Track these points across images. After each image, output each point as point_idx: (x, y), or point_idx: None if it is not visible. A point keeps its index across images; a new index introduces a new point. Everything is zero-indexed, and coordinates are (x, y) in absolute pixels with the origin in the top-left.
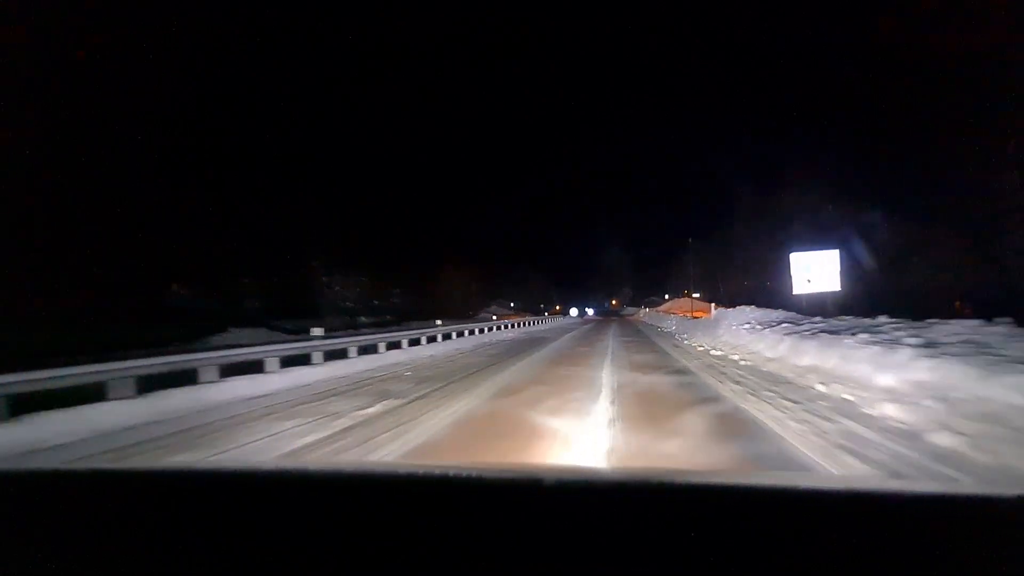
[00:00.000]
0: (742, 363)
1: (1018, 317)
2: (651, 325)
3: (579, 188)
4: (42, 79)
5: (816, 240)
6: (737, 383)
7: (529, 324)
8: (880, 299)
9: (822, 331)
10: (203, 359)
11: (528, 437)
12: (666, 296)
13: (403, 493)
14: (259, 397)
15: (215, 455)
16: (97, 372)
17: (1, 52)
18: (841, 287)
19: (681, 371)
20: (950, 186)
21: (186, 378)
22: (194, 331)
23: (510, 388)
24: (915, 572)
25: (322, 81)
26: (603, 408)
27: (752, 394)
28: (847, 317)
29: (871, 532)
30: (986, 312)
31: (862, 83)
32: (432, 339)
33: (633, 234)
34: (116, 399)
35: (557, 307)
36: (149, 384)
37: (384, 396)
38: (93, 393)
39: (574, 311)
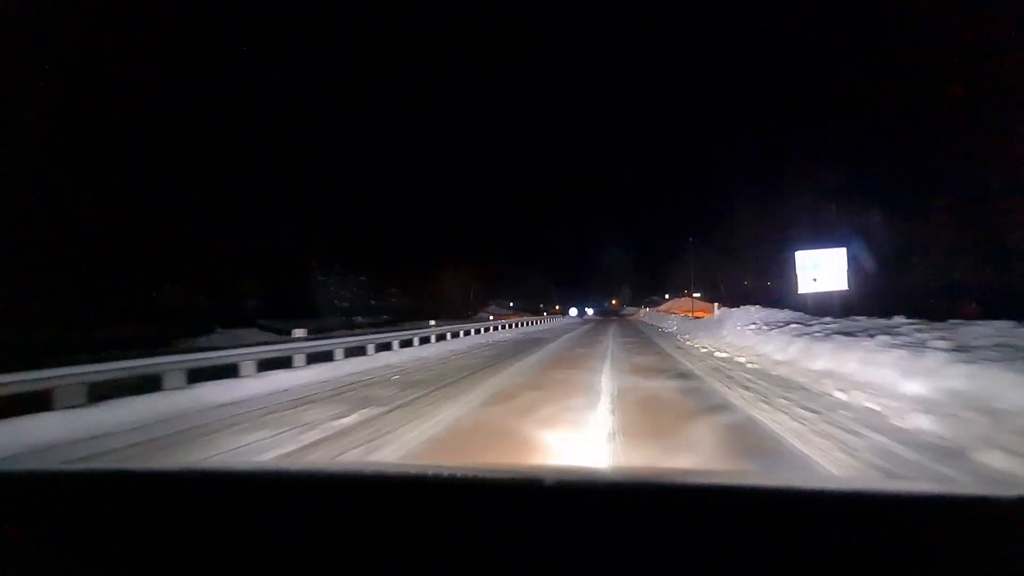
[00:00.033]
0: (749, 366)
1: None
2: (652, 325)
3: (579, 188)
4: (37, 78)
5: (816, 239)
6: (747, 389)
7: (527, 324)
8: (882, 299)
9: (835, 332)
10: (172, 363)
11: (518, 453)
12: (666, 296)
13: (403, 493)
14: (227, 405)
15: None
16: (47, 378)
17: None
18: (848, 286)
19: (685, 375)
20: (951, 185)
21: (150, 384)
22: (182, 331)
23: (502, 394)
24: (915, 573)
25: (322, 81)
26: (602, 418)
27: (764, 401)
28: (860, 318)
29: (870, 532)
30: (993, 312)
31: (865, 79)
32: (425, 340)
33: (633, 233)
34: (63, 409)
35: (557, 307)
36: (107, 391)
37: (365, 403)
38: (36, 403)
39: (573, 311)
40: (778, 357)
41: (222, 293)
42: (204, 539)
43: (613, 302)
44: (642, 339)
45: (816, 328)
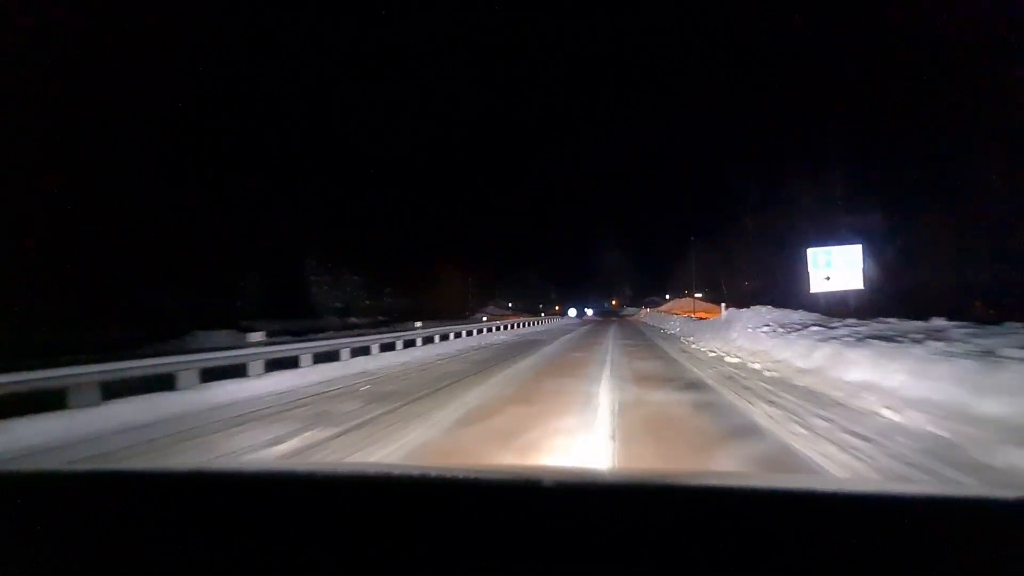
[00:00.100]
0: (767, 374)
1: None
2: (653, 326)
3: (579, 188)
4: (35, 78)
5: (819, 237)
6: (771, 404)
7: (524, 325)
8: (886, 299)
9: (869, 337)
10: (89, 374)
11: None
12: (667, 296)
13: (404, 493)
14: (146, 426)
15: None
16: None
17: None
18: (864, 285)
19: (695, 385)
20: (957, 183)
21: (54, 401)
22: (156, 334)
23: (482, 410)
24: (915, 574)
25: (322, 80)
26: (600, 446)
27: (798, 422)
28: (890, 319)
29: (871, 534)
30: (1007, 313)
31: (871, 75)
32: (410, 343)
33: (633, 233)
34: None
35: (557, 307)
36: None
37: (316, 422)
38: None
39: (572, 311)
40: (800, 364)
41: (219, 293)
42: (204, 539)
43: (613, 302)
44: (644, 341)
45: (843, 331)
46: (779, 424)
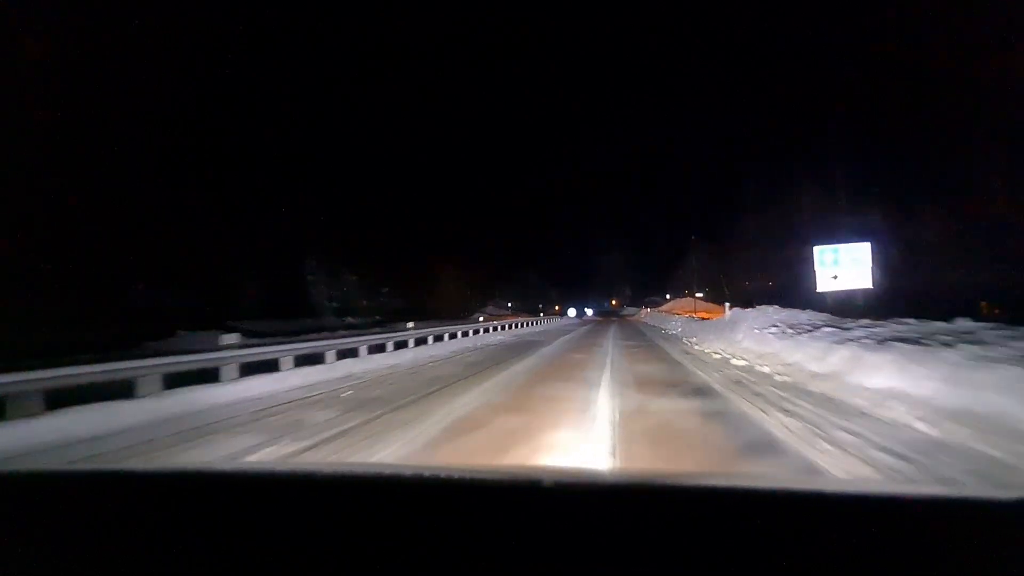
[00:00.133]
0: (778, 379)
1: None
2: (654, 327)
3: (579, 188)
4: (34, 78)
5: (821, 235)
6: (787, 413)
7: (523, 326)
8: (893, 299)
9: (889, 339)
10: (47, 379)
11: None
12: (667, 296)
13: (403, 494)
14: (93, 439)
15: None
16: None
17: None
18: (873, 284)
19: (702, 391)
20: (960, 182)
21: None
22: (144, 334)
23: (469, 421)
24: (915, 574)
25: (321, 80)
26: (598, 464)
27: (820, 435)
28: (908, 320)
29: (871, 534)
30: (1015, 314)
31: (874, 74)
32: (402, 344)
33: (634, 233)
34: None
35: (556, 307)
36: None
37: (284, 434)
38: None
39: (572, 311)
40: (814, 368)
41: (219, 293)
42: (204, 539)
43: (613, 302)
44: (645, 342)
45: (859, 332)
46: (799, 438)
